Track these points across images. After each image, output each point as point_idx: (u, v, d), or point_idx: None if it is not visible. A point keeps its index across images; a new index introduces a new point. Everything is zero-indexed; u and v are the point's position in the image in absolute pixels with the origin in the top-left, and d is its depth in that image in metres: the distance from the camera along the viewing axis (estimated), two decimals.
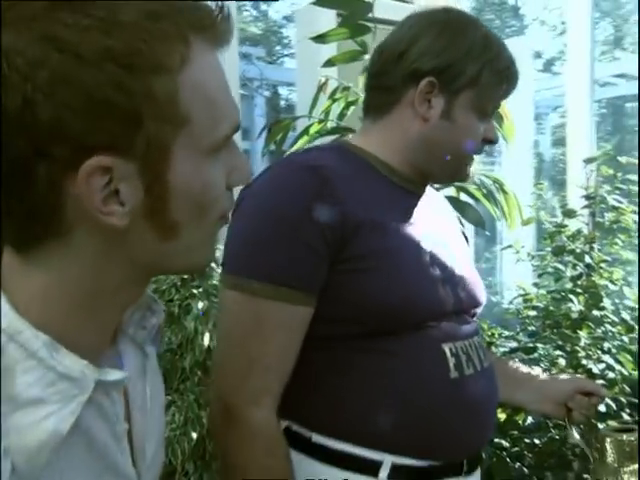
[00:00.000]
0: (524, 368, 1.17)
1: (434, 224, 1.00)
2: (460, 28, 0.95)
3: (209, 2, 0.50)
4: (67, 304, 0.48)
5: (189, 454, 1.61)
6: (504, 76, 0.96)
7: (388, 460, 0.87)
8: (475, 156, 1.02)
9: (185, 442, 1.60)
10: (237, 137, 0.56)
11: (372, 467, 0.87)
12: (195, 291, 1.80)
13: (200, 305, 1.73)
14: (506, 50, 0.97)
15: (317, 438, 0.88)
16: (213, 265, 1.87)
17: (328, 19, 2.34)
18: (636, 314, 1.58)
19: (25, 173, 0.43)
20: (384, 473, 0.87)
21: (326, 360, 0.89)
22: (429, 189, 1.06)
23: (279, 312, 0.84)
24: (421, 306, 0.89)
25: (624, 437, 0.90)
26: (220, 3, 0.49)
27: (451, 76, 0.92)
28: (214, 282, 1.86)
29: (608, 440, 0.92)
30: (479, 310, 1.02)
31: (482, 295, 1.02)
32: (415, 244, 0.92)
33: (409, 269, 0.89)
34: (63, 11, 0.42)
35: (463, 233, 1.12)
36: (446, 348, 0.90)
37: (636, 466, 0.88)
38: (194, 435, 1.63)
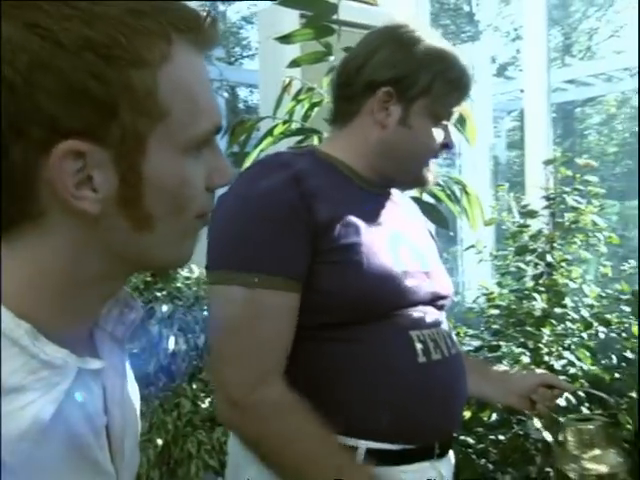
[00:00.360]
0: (490, 365, 1.22)
1: (400, 223, 1.06)
2: (415, 42, 1.01)
3: (195, 2, 0.50)
4: (46, 293, 0.48)
5: (154, 461, 1.57)
6: (455, 85, 1.03)
7: (363, 446, 0.91)
8: (433, 159, 1.07)
9: (150, 449, 1.57)
10: None
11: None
12: (159, 294, 1.76)
13: (164, 308, 1.70)
14: (458, 62, 1.03)
15: None
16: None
17: (291, 20, 2.33)
18: (594, 311, 1.63)
19: (1, 152, 0.45)
20: (359, 458, 0.90)
21: (298, 350, 0.92)
22: (396, 191, 1.12)
23: (277, 299, 0.89)
24: (383, 298, 0.94)
25: (584, 426, 0.94)
26: (207, 8, 0.50)
27: (406, 86, 1.00)
28: (178, 285, 1.83)
29: (569, 430, 0.95)
30: (446, 302, 1.07)
31: (448, 288, 1.08)
32: (380, 241, 0.97)
33: (372, 264, 0.93)
34: (46, 0, 0.44)
35: (430, 232, 1.18)
36: (413, 335, 0.95)
37: (595, 452, 0.92)
38: (159, 441, 1.60)
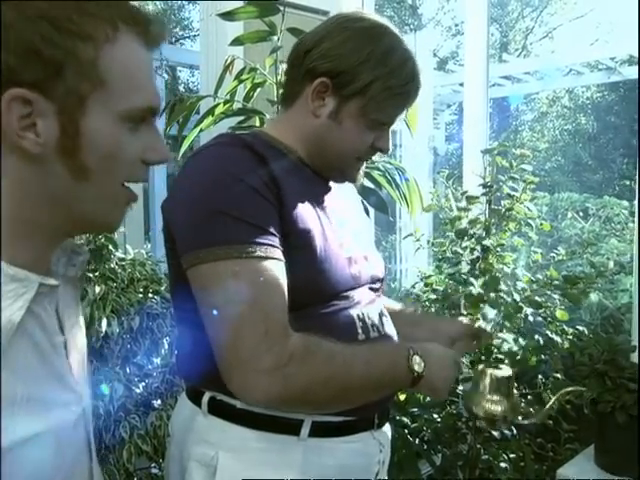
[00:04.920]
0: (422, 312, 1.35)
1: (342, 206, 1.07)
2: (366, 38, 0.98)
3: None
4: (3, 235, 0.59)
5: None
6: (396, 93, 0.99)
7: (308, 419, 0.93)
8: (364, 159, 1.06)
9: None
10: None
11: (294, 427, 0.93)
12: (91, 275, 1.69)
13: (97, 290, 1.64)
14: (406, 69, 0.99)
15: (242, 405, 0.92)
16: (111, 248, 1.77)
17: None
18: (526, 295, 1.70)
19: None
20: (305, 431, 0.93)
21: None
22: None
23: (272, 267, 0.88)
24: (333, 285, 0.95)
25: (497, 374, 1.06)
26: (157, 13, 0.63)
27: (343, 82, 0.97)
28: (112, 266, 1.77)
29: (486, 374, 1.06)
30: (381, 283, 1.10)
31: (382, 269, 1.12)
32: (329, 227, 0.98)
33: (324, 251, 0.94)
34: None
35: (365, 209, 1.20)
36: (354, 314, 0.98)
37: (495, 397, 1.05)
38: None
